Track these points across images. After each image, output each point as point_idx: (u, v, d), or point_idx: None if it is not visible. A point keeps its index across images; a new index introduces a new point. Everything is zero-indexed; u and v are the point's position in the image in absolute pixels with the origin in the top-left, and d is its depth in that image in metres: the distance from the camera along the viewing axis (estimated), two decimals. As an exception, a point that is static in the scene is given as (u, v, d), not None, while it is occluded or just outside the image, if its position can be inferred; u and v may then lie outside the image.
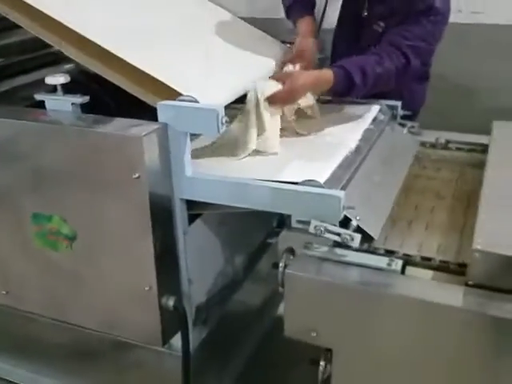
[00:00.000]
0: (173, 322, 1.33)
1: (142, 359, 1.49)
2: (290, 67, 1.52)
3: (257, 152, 1.37)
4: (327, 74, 1.46)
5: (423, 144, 1.69)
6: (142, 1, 1.61)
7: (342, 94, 1.53)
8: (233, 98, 1.34)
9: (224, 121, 1.16)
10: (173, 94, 1.21)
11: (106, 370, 1.58)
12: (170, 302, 1.30)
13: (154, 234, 1.23)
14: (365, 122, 1.53)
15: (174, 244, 1.31)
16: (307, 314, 1.13)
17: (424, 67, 1.76)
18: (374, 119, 1.58)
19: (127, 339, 1.41)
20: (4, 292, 1.46)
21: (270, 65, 1.57)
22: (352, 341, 1.12)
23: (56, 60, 1.79)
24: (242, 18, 1.89)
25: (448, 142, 1.68)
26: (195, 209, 1.31)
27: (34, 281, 1.42)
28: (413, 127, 1.69)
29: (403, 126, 1.70)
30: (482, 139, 1.62)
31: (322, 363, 1.19)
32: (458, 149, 1.66)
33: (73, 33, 1.25)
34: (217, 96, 1.25)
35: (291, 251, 1.22)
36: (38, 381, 1.68)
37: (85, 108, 1.31)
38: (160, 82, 1.22)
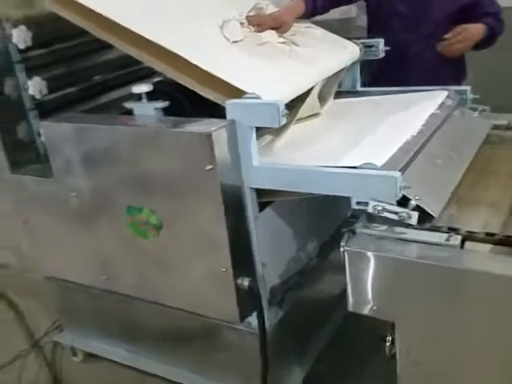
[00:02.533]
0: (249, 301, 1.45)
1: (226, 338, 1.63)
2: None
3: (320, 140, 1.46)
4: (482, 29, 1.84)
5: (496, 127, 1.67)
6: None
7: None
8: (295, 95, 1.44)
9: (284, 113, 1.27)
10: (238, 93, 1.34)
11: (196, 349, 1.75)
12: (245, 283, 1.43)
13: (227, 221, 1.36)
14: (430, 108, 1.56)
15: (247, 230, 1.43)
16: (368, 289, 1.20)
17: None
18: (441, 104, 1.59)
19: (210, 318, 1.56)
20: (105, 277, 1.68)
21: (334, 63, 1.65)
22: (412, 314, 1.17)
23: (148, 74, 1.98)
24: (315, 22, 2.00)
25: (514, 123, 1.64)
26: (265, 196, 1.43)
27: (129, 266, 1.61)
28: (484, 110, 1.68)
29: (474, 110, 1.69)
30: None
31: (388, 338, 1.25)
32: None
33: (156, 46, 1.42)
34: (279, 93, 1.36)
35: (353, 232, 1.28)
36: (135, 359, 1.88)
37: (168, 112, 1.49)
38: (227, 83, 1.36)
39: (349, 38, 1.83)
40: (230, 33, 1.57)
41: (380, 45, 1.78)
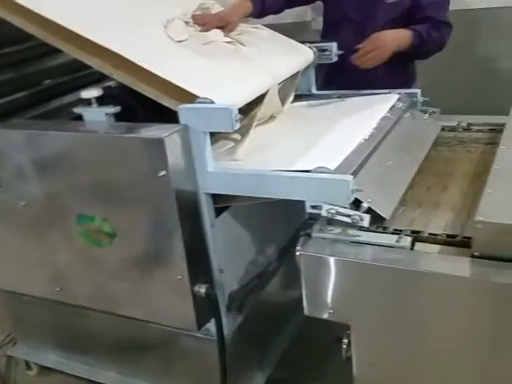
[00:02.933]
0: (206, 308, 1.44)
1: (185, 347, 1.61)
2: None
3: (275, 144, 1.46)
4: (406, 34, 1.79)
5: (445, 128, 1.72)
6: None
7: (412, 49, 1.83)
8: (248, 100, 1.44)
9: (238, 118, 1.27)
10: (191, 98, 1.33)
11: (154, 359, 1.71)
12: (202, 290, 1.41)
13: (182, 227, 1.34)
14: (382, 111, 1.59)
15: (203, 236, 1.42)
16: (323, 293, 1.20)
17: None
18: (393, 107, 1.63)
19: (167, 326, 1.53)
20: (58, 289, 1.62)
21: (287, 66, 1.65)
22: (366, 315, 1.18)
23: (100, 78, 1.94)
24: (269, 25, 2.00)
25: (470, 124, 1.69)
26: (221, 202, 1.42)
27: (83, 277, 1.57)
28: (434, 112, 1.72)
29: (425, 112, 1.73)
30: (504, 120, 1.62)
31: (344, 340, 1.26)
32: (479, 130, 1.67)
33: (104, 49, 1.39)
34: (232, 97, 1.36)
35: (308, 235, 1.29)
36: (92, 372, 1.83)
37: (120, 117, 1.46)
38: (180, 87, 1.34)
39: (303, 42, 1.84)
40: (174, 32, 1.55)
41: (333, 49, 1.80)
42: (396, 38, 1.78)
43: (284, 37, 1.83)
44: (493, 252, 1.06)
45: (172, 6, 1.67)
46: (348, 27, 1.96)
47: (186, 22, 1.63)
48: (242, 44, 1.68)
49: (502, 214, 1.05)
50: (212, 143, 1.34)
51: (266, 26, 1.96)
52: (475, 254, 1.08)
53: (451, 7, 1.94)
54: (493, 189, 1.16)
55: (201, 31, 1.66)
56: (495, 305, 1.05)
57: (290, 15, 2.69)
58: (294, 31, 2.29)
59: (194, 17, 1.69)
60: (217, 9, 1.78)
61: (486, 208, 1.09)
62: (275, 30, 1.93)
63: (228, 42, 1.65)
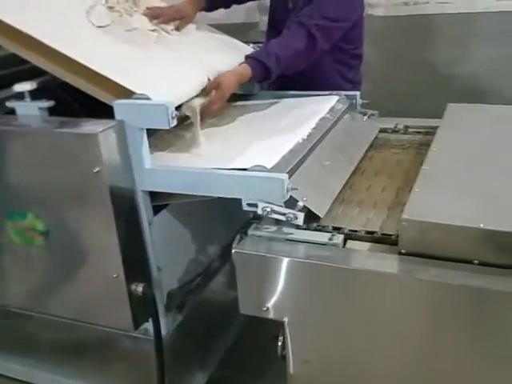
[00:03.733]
0: (144, 307, 1.41)
1: (123, 347, 1.58)
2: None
3: (214, 143, 1.46)
4: (245, 68, 1.59)
5: (384, 130, 1.77)
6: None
7: (261, 80, 1.70)
8: (188, 97, 1.43)
9: (174, 115, 1.26)
10: (129, 93, 1.31)
11: (93, 360, 1.67)
12: (139, 289, 1.39)
13: (118, 224, 1.32)
14: (322, 111, 1.61)
15: (140, 234, 1.40)
16: (257, 291, 1.21)
17: (340, 45, 1.86)
18: (332, 108, 1.66)
19: (103, 326, 1.50)
20: (-7, 290, 1.56)
21: (227, 65, 1.65)
22: (300, 313, 1.20)
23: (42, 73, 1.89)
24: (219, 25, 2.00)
25: (407, 127, 1.75)
26: (159, 199, 1.41)
27: (17, 277, 1.52)
28: (373, 115, 1.76)
29: (364, 114, 1.77)
30: (439, 123, 1.68)
31: (280, 338, 1.27)
32: (417, 132, 1.73)
33: (35, 41, 1.36)
34: (170, 94, 1.35)
35: (245, 233, 1.30)
36: (31, 374, 1.77)
37: (55, 112, 1.42)
38: (116, 82, 1.32)
39: (247, 42, 1.84)
40: (97, 18, 1.52)
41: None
42: (229, 81, 1.53)
43: (227, 36, 1.84)
44: (418, 249, 1.09)
45: None
46: (272, 32, 1.97)
47: (110, 8, 1.60)
48: (167, 32, 1.67)
49: (427, 213, 1.09)
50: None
51: (216, 25, 1.97)
52: (402, 251, 1.11)
53: (400, 12, 1.96)
54: (420, 188, 1.20)
55: (158, 23, 1.66)
56: (421, 301, 1.08)
57: (238, 15, 2.72)
58: (242, 31, 2.30)
59: (148, 9, 1.69)
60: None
61: (413, 207, 1.12)
62: (224, 30, 1.94)
63: (152, 30, 1.63)
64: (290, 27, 1.72)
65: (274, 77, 1.64)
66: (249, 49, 1.81)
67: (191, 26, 1.81)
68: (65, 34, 1.41)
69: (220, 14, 2.07)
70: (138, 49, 1.53)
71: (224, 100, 1.54)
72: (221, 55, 1.71)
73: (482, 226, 1.05)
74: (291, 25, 1.72)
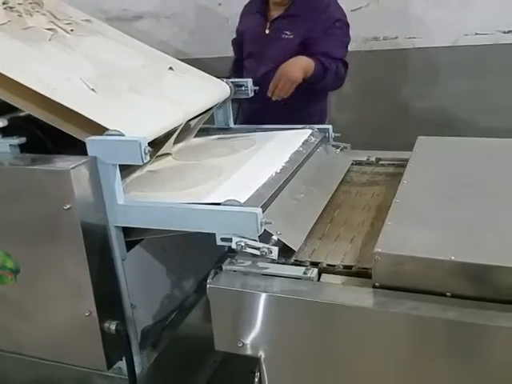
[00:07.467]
0: (117, 346, 1.38)
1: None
2: None
3: (187, 178, 1.47)
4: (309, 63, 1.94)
5: (357, 163, 1.79)
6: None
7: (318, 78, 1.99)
8: (160, 133, 1.44)
9: (147, 151, 1.26)
10: (102, 130, 1.31)
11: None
12: (112, 327, 1.36)
13: (90, 262, 1.30)
14: (295, 145, 1.63)
15: (113, 270, 1.38)
16: (232, 326, 1.20)
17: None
18: (305, 142, 1.68)
19: (76, 366, 1.46)
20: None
21: (200, 101, 1.67)
22: (275, 347, 1.19)
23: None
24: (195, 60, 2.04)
25: (379, 159, 1.78)
26: (132, 235, 1.39)
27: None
28: (345, 148, 1.80)
29: (337, 147, 1.80)
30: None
31: (256, 373, 1.25)
32: (390, 165, 1.76)
33: (7, 79, 1.36)
34: (143, 130, 1.35)
35: (220, 268, 1.29)
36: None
37: (26, 149, 1.40)
38: (89, 119, 1.32)
39: (220, 77, 1.87)
40: None
41: (249, 84, 1.84)
42: (297, 63, 1.94)
43: (203, 73, 1.85)
44: (392, 282, 1.10)
45: None
46: (251, 61, 2.15)
47: (11, 8, 1.59)
48: (66, 32, 1.65)
49: (399, 246, 1.11)
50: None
51: (193, 60, 1.99)
52: (376, 284, 1.12)
53: (371, 46, 2.14)
54: (392, 221, 1.21)
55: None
56: (395, 334, 1.09)
57: (213, 50, 2.76)
58: (218, 66, 2.34)
59: None
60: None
61: (385, 240, 1.13)
62: (200, 64, 1.95)
63: (49, 29, 1.61)
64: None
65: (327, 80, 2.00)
66: (223, 85, 1.83)
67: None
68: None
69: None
70: (30, 46, 1.51)
71: (290, 84, 1.87)
72: (197, 93, 1.71)
73: (452, 258, 1.06)
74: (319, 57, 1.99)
